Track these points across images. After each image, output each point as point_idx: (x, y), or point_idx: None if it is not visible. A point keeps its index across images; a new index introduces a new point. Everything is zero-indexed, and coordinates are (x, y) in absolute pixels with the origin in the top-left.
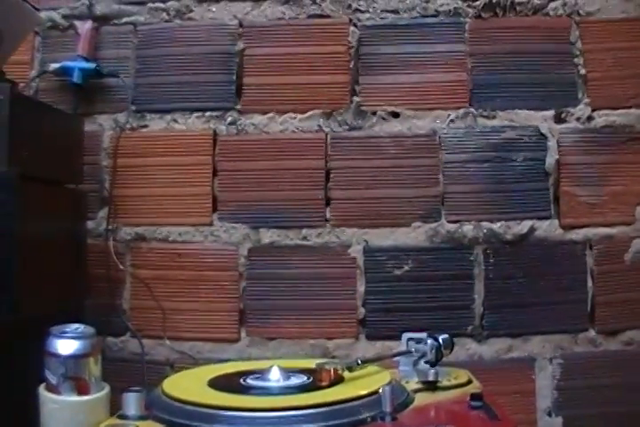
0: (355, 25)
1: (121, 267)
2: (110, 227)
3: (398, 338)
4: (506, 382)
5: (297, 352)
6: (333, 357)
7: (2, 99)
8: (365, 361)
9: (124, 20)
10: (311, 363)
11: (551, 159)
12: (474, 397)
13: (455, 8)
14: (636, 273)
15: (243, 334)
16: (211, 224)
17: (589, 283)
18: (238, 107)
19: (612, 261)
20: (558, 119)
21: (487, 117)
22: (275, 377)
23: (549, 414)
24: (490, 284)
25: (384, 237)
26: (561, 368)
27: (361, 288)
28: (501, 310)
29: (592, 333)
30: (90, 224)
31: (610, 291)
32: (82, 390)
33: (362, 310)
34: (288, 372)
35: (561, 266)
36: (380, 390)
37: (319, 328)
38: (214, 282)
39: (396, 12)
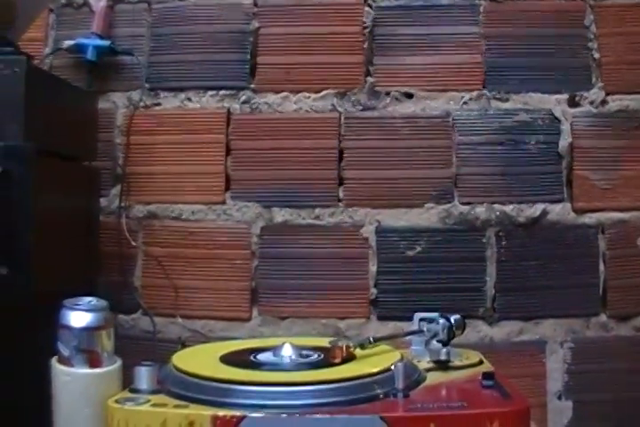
0: (369, 6)
1: (133, 244)
2: (123, 204)
3: (409, 319)
4: (516, 365)
5: (309, 332)
6: (345, 336)
7: (17, 71)
8: (378, 339)
9: None
10: (323, 341)
11: (564, 142)
12: (486, 376)
13: None
14: None
15: (255, 313)
16: (223, 203)
17: (601, 267)
18: (252, 86)
19: (625, 245)
20: (572, 103)
21: (501, 100)
22: (287, 354)
23: (559, 398)
24: (502, 266)
25: (397, 218)
26: (572, 352)
27: (373, 268)
28: (513, 292)
29: (604, 317)
30: (103, 201)
31: (622, 276)
32: (94, 362)
33: (373, 291)
34: (300, 349)
35: (573, 250)
36: (393, 367)
37: (331, 308)
38: (226, 260)
39: None
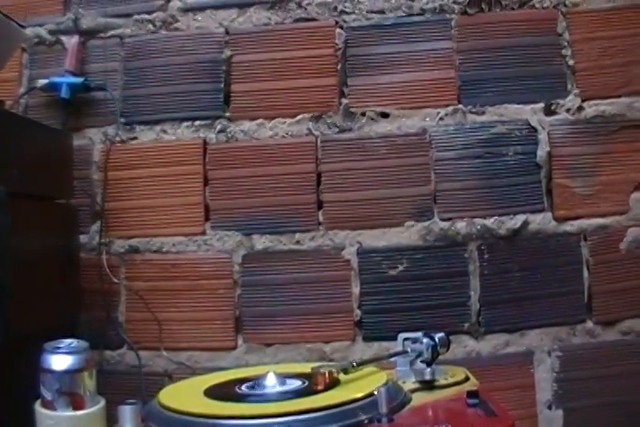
0: (341, 27)
1: (115, 280)
2: (103, 240)
3: (395, 338)
4: (505, 377)
5: (294, 357)
6: (331, 360)
7: None
8: (360, 363)
9: (110, 32)
10: (307, 367)
11: (542, 152)
12: (470, 394)
13: (441, 5)
14: (632, 262)
15: (240, 342)
16: (204, 233)
17: (585, 274)
18: (227, 114)
19: (608, 251)
20: (548, 111)
21: (477, 113)
22: (270, 383)
23: (550, 408)
24: (485, 280)
25: (377, 238)
26: (560, 361)
27: (356, 290)
28: (498, 305)
29: (590, 324)
30: (83, 238)
31: (606, 281)
32: (77, 404)
33: (358, 312)
34: (284, 377)
35: (556, 258)
36: (376, 392)
37: (316, 332)
38: (209, 291)
39: (381, 12)
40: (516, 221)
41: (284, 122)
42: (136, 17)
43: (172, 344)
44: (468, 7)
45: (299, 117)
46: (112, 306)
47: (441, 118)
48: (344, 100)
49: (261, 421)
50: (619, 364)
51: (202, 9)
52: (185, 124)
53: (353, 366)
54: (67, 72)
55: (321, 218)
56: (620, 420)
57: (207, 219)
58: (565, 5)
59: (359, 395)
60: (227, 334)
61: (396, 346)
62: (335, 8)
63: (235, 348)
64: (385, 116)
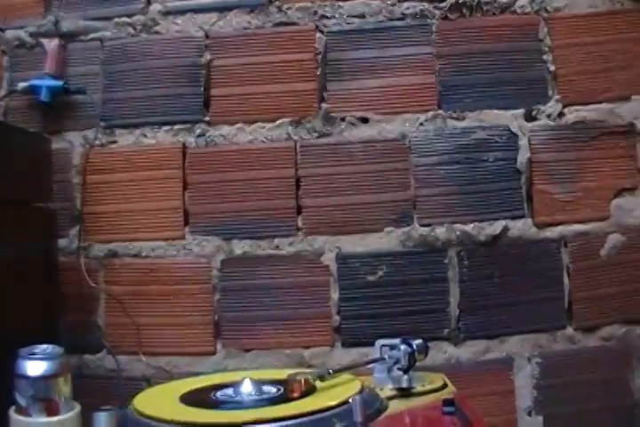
0: (321, 31)
1: (92, 284)
2: (82, 244)
3: (374, 344)
4: (485, 384)
5: (273, 363)
6: (310, 366)
7: None
8: (337, 370)
9: (91, 35)
10: (284, 374)
11: (523, 158)
12: (446, 402)
13: (421, 10)
14: (612, 268)
15: (219, 347)
16: (183, 238)
17: (566, 280)
18: (207, 118)
19: (588, 257)
20: (529, 117)
21: (457, 119)
22: (246, 390)
23: (529, 414)
24: (465, 286)
25: (356, 244)
26: (540, 367)
27: (335, 296)
28: (477, 311)
29: (570, 330)
30: (62, 242)
31: (587, 287)
32: (52, 411)
33: (336, 318)
34: (260, 384)
35: (536, 264)
36: (351, 400)
37: (295, 337)
38: (188, 296)
39: (362, 16)
40: (496, 227)
41: (264, 126)
42: (116, 20)
43: (151, 349)
44: (448, 12)
45: (278, 122)
46: (91, 310)
47: (421, 124)
48: (324, 105)
49: None
50: (599, 370)
51: (182, 12)
52: (164, 128)
53: (329, 374)
54: (47, 75)
55: (300, 223)
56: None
57: (186, 223)
58: (547, 11)
59: (334, 403)
60: (206, 340)
61: (374, 353)
62: (315, 12)
63: (214, 353)
64: (365, 121)
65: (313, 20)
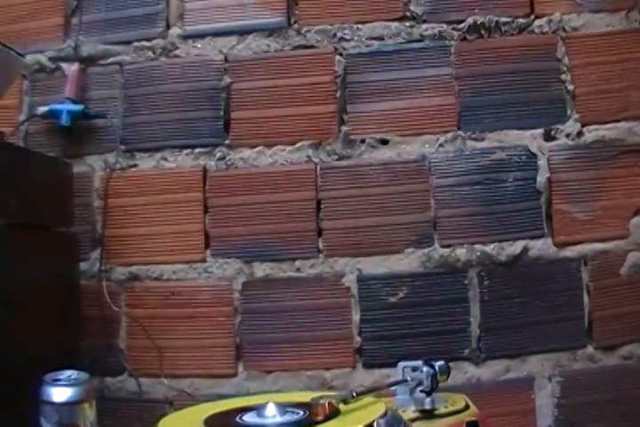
0: (340, 54)
1: (115, 308)
2: (104, 268)
3: (396, 365)
4: (505, 404)
5: (295, 384)
6: (331, 387)
7: None
8: (360, 393)
9: (110, 60)
10: (308, 396)
11: (542, 178)
12: (469, 425)
13: (440, 31)
14: (632, 287)
15: (240, 369)
16: (204, 261)
17: (586, 299)
18: (227, 142)
19: (608, 276)
20: (548, 137)
21: (476, 140)
22: (270, 413)
23: None
24: (485, 306)
25: (377, 265)
26: (560, 386)
27: (356, 317)
28: (498, 331)
29: (590, 349)
30: (84, 265)
31: (607, 306)
32: None
33: (358, 339)
34: (284, 407)
35: (556, 284)
36: (375, 424)
37: (316, 359)
38: (210, 318)
39: (380, 38)
40: (516, 247)
41: (284, 149)
42: (136, 44)
43: (173, 371)
44: (467, 33)
45: (298, 145)
46: (112, 333)
47: (440, 145)
48: (344, 128)
49: None
50: (620, 389)
51: (201, 36)
52: (185, 151)
53: (353, 397)
54: (67, 99)
55: (321, 245)
56: None
57: (207, 246)
58: (564, 30)
59: (359, 426)
60: (227, 362)
61: (396, 374)
62: (334, 35)
63: (235, 375)
64: (384, 142)
65: (332, 43)
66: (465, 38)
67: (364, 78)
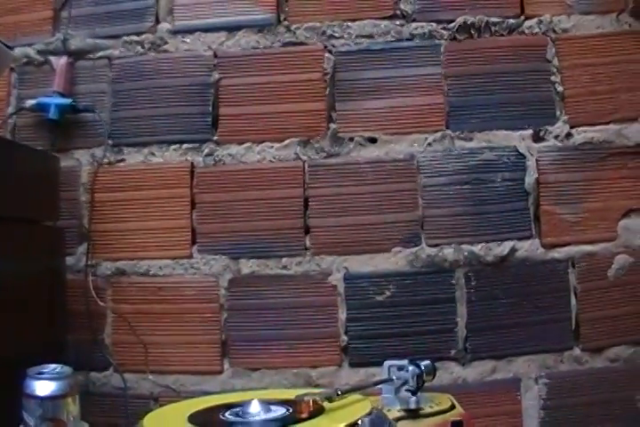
0: (329, 51)
1: (100, 303)
2: (90, 262)
3: (382, 364)
4: (492, 404)
5: (281, 382)
6: (317, 385)
7: None
8: (345, 391)
9: (99, 54)
10: (293, 394)
11: (530, 178)
12: (454, 425)
13: (430, 31)
14: (620, 289)
15: (226, 366)
16: (190, 257)
17: (573, 301)
18: (215, 138)
19: (595, 278)
20: (537, 138)
21: (465, 139)
22: (255, 410)
23: None
24: (472, 306)
25: (364, 264)
26: (547, 388)
27: (342, 315)
28: (485, 332)
29: (577, 351)
30: (70, 260)
31: (594, 308)
32: None
33: (344, 338)
34: (268, 404)
35: (544, 285)
36: (360, 422)
37: (302, 357)
38: (195, 314)
39: (370, 36)
40: (504, 247)
41: (272, 146)
42: (125, 38)
43: (158, 367)
44: (457, 33)
45: (286, 142)
46: (98, 328)
47: (429, 144)
48: (332, 125)
49: None
50: (606, 391)
51: (191, 31)
52: (173, 146)
53: (338, 395)
54: (55, 93)
55: (308, 243)
56: None
57: (194, 242)
58: (555, 32)
59: (343, 424)
60: (213, 358)
61: (382, 373)
62: (324, 32)
63: (221, 372)
64: (373, 141)
65: (321, 40)
66: (455, 38)
67: (353, 76)
